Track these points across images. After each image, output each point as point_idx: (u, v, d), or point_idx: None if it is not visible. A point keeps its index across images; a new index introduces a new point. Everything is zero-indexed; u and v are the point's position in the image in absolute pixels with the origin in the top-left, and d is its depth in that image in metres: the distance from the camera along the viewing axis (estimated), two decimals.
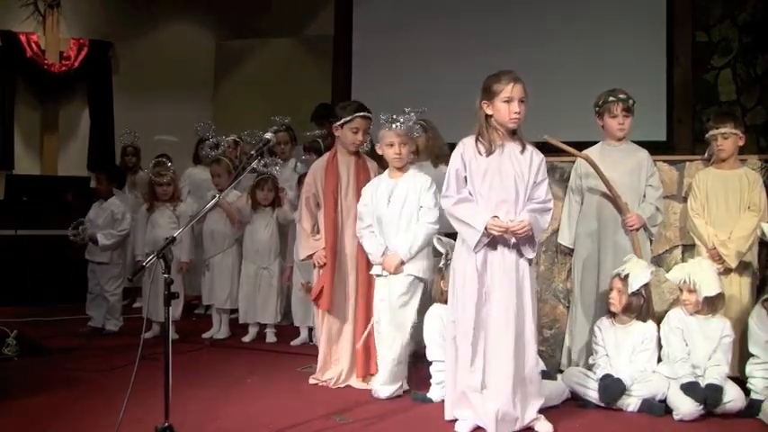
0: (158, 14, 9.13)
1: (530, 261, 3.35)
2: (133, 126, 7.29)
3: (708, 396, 3.52)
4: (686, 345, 3.73)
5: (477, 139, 3.38)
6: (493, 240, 3.30)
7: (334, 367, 4.18)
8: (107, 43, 8.76)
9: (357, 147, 4.21)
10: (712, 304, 3.76)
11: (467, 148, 3.40)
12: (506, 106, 3.30)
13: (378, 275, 4.02)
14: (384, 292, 3.98)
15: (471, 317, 3.31)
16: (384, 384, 3.92)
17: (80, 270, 5.93)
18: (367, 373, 4.11)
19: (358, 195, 4.14)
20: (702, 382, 3.59)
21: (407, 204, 3.96)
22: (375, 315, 4.03)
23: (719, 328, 3.73)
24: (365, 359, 4.11)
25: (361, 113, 4.15)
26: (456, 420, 3.41)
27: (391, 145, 3.96)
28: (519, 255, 3.32)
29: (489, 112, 3.35)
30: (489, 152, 3.34)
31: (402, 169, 4.03)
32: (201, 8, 9.32)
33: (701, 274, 3.75)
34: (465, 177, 3.38)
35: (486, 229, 3.25)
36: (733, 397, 3.56)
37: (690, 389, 3.56)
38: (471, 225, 3.29)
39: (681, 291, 3.85)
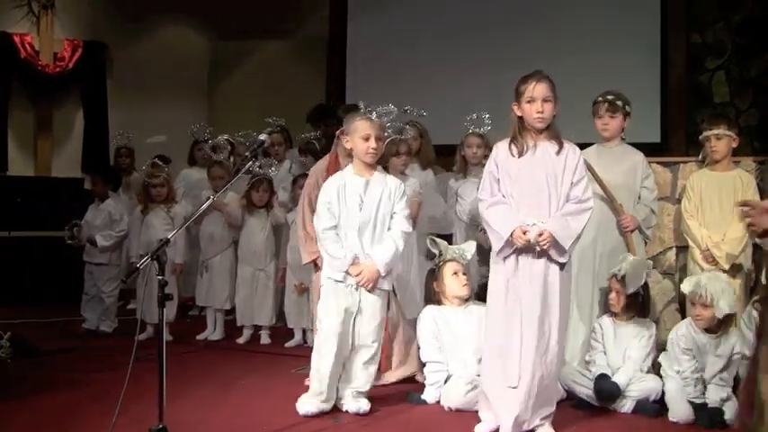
0: (153, 16, 9.09)
1: (561, 267, 3.27)
2: (128, 127, 7.28)
3: (712, 423, 3.47)
4: (696, 361, 3.65)
5: (510, 142, 3.37)
6: (523, 247, 3.25)
7: None
8: (101, 44, 8.71)
9: None
10: (726, 320, 3.64)
11: (499, 150, 3.39)
12: (529, 106, 3.29)
13: (337, 281, 3.59)
14: (347, 307, 3.57)
15: (500, 321, 3.29)
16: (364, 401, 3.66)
17: (74, 271, 5.91)
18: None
19: None
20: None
21: (381, 207, 3.62)
22: (333, 329, 3.56)
23: (730, 345, 3.62)
24: None
25: None
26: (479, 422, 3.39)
27: (366, 138, 3.58)
28: (549, 262, 3.26)
29: (519, 113, 3.35)
30: (521, 154, 3.33)
31: (372, 167, 3.67)
32: (196, 10, 9.30)
33: (720, 290, 3.58)
34: (499, 180, 3.36)
35: (511, 237, 3.22)
36: (729, 417, 3.50)
37: (699, 409, 3.54)
38: (498, 232, 3.27)
39: (693, 304, 3.68)
